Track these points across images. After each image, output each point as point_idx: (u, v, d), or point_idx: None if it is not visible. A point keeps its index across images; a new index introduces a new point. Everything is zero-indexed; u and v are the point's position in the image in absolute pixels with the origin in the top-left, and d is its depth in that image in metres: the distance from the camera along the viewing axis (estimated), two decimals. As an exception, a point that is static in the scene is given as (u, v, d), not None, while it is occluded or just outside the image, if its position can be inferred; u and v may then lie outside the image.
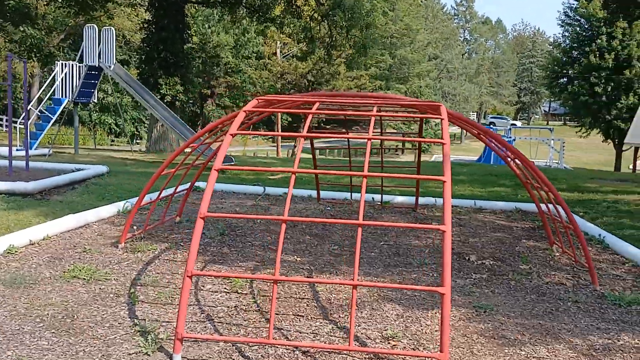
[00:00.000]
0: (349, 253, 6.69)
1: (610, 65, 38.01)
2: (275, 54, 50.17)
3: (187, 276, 3.81)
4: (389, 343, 4.16)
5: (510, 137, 44.54)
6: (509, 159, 7.05)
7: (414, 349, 4.06)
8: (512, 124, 67.15)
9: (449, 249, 3.77)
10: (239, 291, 5.12)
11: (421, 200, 10.08)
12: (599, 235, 7.88)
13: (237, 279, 5.35)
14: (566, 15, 43.19)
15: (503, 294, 5.39)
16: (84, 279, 5.23)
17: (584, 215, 9.69)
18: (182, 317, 3.74)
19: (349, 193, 10.29)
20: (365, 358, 3.88)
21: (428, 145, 45.38)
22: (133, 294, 4.82)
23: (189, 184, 8.00)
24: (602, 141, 43.11)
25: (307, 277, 5.69)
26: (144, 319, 4.38)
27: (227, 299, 4.93)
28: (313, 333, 4.26)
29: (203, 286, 5.24)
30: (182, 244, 6.67)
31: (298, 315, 4.63)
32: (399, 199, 10.38)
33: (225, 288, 5.21)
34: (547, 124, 74.84)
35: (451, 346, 4.15)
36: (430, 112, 5.47)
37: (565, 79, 42.16)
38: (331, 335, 4.24)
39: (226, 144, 4.50)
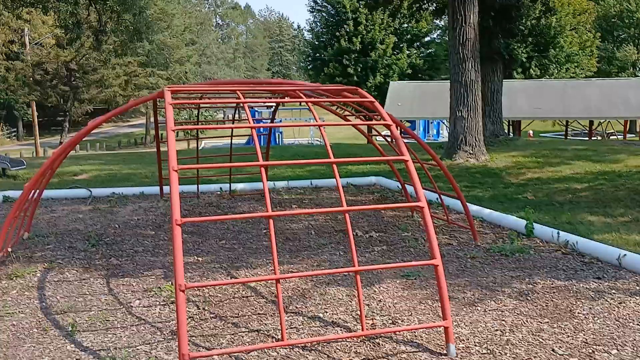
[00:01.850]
0: (244, 245, 6.53)
1: (358, 48, 41.88)
2: (12, 42, 44.75)
3: (181, 290, 3.43)
4: (366, 323, 4.27)
5: (276, 119, 46.60)
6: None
7: (393, 324, 4.24)
8: (269, 107, 69.75)
9: (430, 224, 4.01)
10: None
11: (251, 185, 10.20)
12: (436, 198, 8.87)
13: (165, 289, 4.92)
14: (315, 2, 46.24)
15: (413, 262, 5.83)
16: (-20, 318, 4.31)
17: (407, 181, 10.76)
18: (183, 336, 3.37)
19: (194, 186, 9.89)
20: (358, 342, 3.94)
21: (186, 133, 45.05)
22: (72, 325, 4.12)
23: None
24: (355, 117, 47.41)
25: (228, 272, 5.46)
26: (104, 349, 3.81)
27: (172, 311, 4.52)
28: (292, 328, 4.17)
29: (130, 303, 4.71)
30: (60, 261, 5.82)
31: (259, 314, 4.46)
32: (240, 186, 10.32)
33: (155, 301, 4.75)
34: (300, 104, 79.48)
35: (417, 313, 4.43)
36: (348, 95, 5.60)
37: (319, 62, 45.23)
38: (311, 327, 4.19)
39: (172, 139, 4.09)
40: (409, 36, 45.50)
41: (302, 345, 3.84)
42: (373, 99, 4.87)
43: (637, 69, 53.18)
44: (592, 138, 32.06)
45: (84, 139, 39.46)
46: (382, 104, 38.78)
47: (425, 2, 19.15)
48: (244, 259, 6.00)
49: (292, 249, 6.38)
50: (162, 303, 4.68)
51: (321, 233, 7.05)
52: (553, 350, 3.80)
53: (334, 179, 11.10)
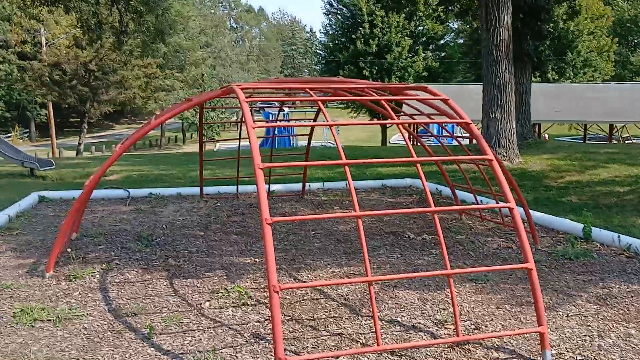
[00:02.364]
0: (295, 246, 6.41)
1: (374, 50, 41.73)
2: (25, 42, 45.10)
3: (275, 292, 3.32)
4: (445, 327, 4.14)
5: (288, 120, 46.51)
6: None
7: (476, 329, 4.11)
8: (281, 109, 69.59)
9: (522, 227, 3.89)
10: (248, 303, 4.61)
11: (286, 187, 10.07)
12: (480, 201, 8.72)
13: (234, 290, 4.82)
14: (330, 5, 46.16)
15: (476, 265, 5.69)
16: (51, 320, 4.22)
17: (442, 184, 10.59)
18: (279, 340, 3.25)
19: (234, 186, 9.80)
20: (446, 348, 3.81)
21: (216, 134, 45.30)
22: (150, 327, 4.02)
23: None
24: (370, 120, 47.34)
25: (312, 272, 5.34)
26: (186, 352, 3.70)
27: (245, 313, 4.41)
28: (373, 332, 4.03)
29: (200, 305, 4.60)
30: (117, 262, 5.72)
31: (335, 317, 4.34)
32: (276, 187, 10.19)
33: (225, 302, 4.64)
34: (312, 107, 79.46)
35: (498, 318, 4.29)
36: (409, 93, 5.48)
37: (334, 64, 45.12)
38: (392, 331, 4.07)
39: (254, 137, 3.98)
40: (424, 39, 45.32)
41: (390, 350, 3.71)
42: (446, 97, 4.75)
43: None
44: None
45: (99, 141, 39.47)
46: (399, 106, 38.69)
47: (451, 3, 19.02)
48: (300, 260, 5.89)
49: (347, 250, 6.26)
50: (232, 305, 4.57)
51: (371, 235, 6.91)
52: (649, 357, 3.66)
53: (366, 180, 11.03)
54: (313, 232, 7.08)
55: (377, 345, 3.43)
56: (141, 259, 5.82)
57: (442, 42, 47.73)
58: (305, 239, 6.77)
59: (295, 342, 3.86)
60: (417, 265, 5.71)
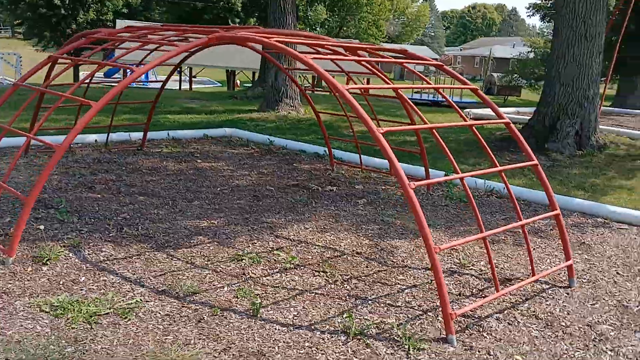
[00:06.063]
0: (220, 204, 6.12)
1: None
2: None
3: (436, 252, 3.49)
4: (471, 268, 4.76)
5: None
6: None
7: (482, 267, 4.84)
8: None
9: (545, 178, 4.69)
10: (289, 266, 4.45)
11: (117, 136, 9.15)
12: (325, 151, 9.32)
13: (258, 255, 4.56)
14: None
15: (404, 212, 6.35)
16: (110, 314, 3.48)
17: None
18: (445, 297, 3.46)
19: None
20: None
21: None
22: (255, 304, 3.63)
23: None
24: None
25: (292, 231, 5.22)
26: (315, 322, 3.55)
27: (303, 277, 4.29)
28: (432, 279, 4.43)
29: (244, 274, 4.27)
30: (70, 237, 4.73)
31: (380, 271, 4.56)
32: (97, 136, 9.05)
33: (266, 269, 4.40)
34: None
35: (493, 255, 5.08)
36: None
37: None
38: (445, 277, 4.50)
39: (348, 95, 3.87)
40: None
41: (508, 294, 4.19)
42: (441, 63, 5.21)
43: (325, 27, 59.59)
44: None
45: None
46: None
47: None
48: (250, 218, 5.71)
49: (283, 206, 6.24)
50: (277, 270, 4.38)
51: (283, 188, 6.98)
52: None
53: (187, 130, 10.55)
54: (219, 189, 6.77)
55: (497, 292, 3.90)
56: (91, 231, 4.91)
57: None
58: (220, 196, 6.48)
59: (393, 300, 4.02)
60: (360, 215, 6.10)
